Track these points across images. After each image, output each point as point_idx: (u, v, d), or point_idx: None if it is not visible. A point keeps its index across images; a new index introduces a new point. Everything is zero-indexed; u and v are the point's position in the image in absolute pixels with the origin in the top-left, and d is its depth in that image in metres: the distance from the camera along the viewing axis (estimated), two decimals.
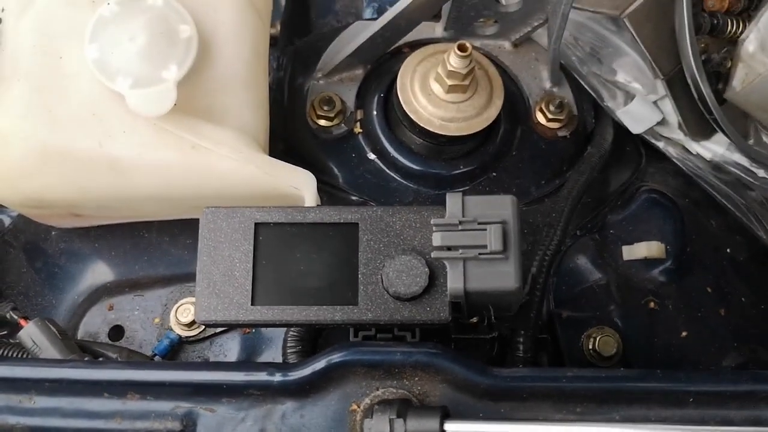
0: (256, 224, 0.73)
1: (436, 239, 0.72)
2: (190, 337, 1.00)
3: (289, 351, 0.89)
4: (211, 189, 0.88)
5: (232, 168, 0.87)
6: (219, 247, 0.73)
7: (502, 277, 0.70)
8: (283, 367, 0.72)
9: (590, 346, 1.00)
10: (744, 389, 0.70)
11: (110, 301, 1.02)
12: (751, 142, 1.02)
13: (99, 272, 1.05)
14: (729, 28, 0.97)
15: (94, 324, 1.01)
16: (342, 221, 0.74)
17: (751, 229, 1.07)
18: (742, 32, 0.96)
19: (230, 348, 1.00)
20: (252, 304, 0.71)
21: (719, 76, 0.99)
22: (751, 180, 1.02)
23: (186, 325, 0.99)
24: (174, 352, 0.99)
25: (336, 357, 0.70)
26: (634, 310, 1.04)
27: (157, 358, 0.96)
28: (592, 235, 1.09)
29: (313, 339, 0.91)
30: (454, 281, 0.71)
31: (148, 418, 0.70)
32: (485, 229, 0.71)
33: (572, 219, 1.04)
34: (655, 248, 1.05)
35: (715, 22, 0.97)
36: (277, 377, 0.71)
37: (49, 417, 0.70)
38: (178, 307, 1.00)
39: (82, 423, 0.70)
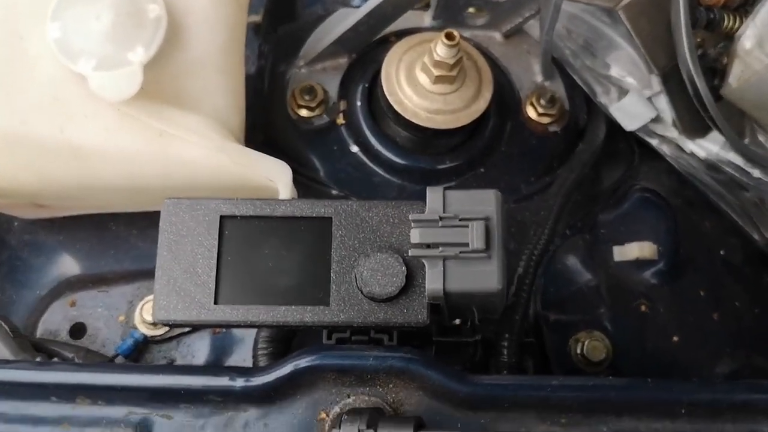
0: (221, 217, 0.69)
1: (415, 236, 0.67)
2: (155, 336, 0.95)
3: (259, 353, 0.85)
4: (179, 179, 0.84)
5: (203, 157, 0.83)
6: (181, 240, 0.68)
7: (485, 277, 0.66)
8: (246, 371, 0.67)
9: (578, 351, 0.97)
10: (740, 399, 0.66)
11: (73, 296, 0.98)
12: (746, 141, 0.99)
13: (63, 266, 1.00)
14: (726, 23, 0.94)
15: (55, 321, 0.97)
16: (314, 215, 0.69)
17: (746, 230, 1.05)
18: (739, 28, 0.93)
19: (198, 348, 0.96)
20: (215, 303, 0.67)
21: (715, 72, 0.97)
22: (745, 180, 1.00)
23: (152, 323, 0.94)
24: (138, 352, 0.94)
25: (303, 361, 0.66)
26: (625, 313, 1.01)
27: (119, 358, 0.92)
28: (582, 235, 1.06)
29: (286, 340, 0.87)
30: (432, 281, 0.66)
31: (99, 425, 0.66)
32: (467, 226, 0.66)
33: (562, 217, 1.02)
34: (647, 249, 1.02)
35: (712, 16, 0.94)
36: (240, 382, 0.66)
37: None
38: (143, 305, 0.95)
39: (26, 429, 0.65)
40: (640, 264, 1.03)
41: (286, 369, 0.66)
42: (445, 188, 0.69)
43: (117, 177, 0.84)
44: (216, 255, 0.68)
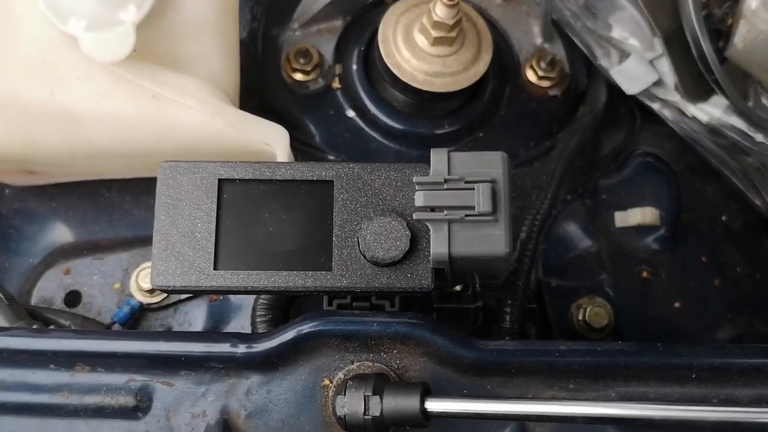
0: (219, 180, 0.66)
1: (419, 199, 0.65)
2: (152, 304, 0.93)
3: (258, 320, 0.84)
4: (174, 143, 0.82)
5: (198, 121, 0.81)
6: (178, 205, 0.66)
7: (491, 241, 0.64)
8: (249, 337, 0.65)
9: (580, 317, 0.96)
10: (751, 364, 0.64)
11: (67, 264, 0.96)
12: (750, 104, 0.98)
13: (56, 233, 0.98)
14: None
15: (49, 289, 0.95)
16: (315, 178, 0.67)
17: (748, 196, 1.03)
18: None
19: (196, 316, 0.94)
20: (215, 269, 0.65)
21: (720, 34, 0.95)
22: (748, 145, 0.99)
23: (148, 291, 0.93)
24: (135, 320, 0.93)
25: (306, 327, 0.64)
26: (626, 279, 1.00)
27: (116, 326, 0.90)
28: (583, 201, 1.04)
29: (284, 307, 0.86)
30: (437, 245, 0.65)
31: (99, 392, 0.64)
32: (473, 189, 0.64)
33: (563, 183, 0.99)
34: (649, 214, 1.02)
35: None
36: (241, 349, 0.64)
37: None
38: (139, 272, 0.93)
39: (25, 397, 0.64)
40: (641, 230, 1.03)
41: (288, 335, 0.64)
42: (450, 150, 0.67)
43: (110, 141, 0.82)
44: (215, 219, 0.66)
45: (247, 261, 0.66)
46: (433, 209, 0.66)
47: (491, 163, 0.66)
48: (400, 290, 0.66)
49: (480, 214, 0.64)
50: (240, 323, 0.93)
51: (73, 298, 0.95)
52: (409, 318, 0.66)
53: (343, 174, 0.67)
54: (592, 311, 0.96)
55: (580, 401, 0.59)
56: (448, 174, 0.66)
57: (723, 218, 1.08)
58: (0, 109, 0.80)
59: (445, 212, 0.65)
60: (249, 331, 0.89)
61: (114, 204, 0.98)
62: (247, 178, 0.67)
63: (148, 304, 0.93)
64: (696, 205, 1.07)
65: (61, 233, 0.98)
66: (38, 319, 0.82)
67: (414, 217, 0.66)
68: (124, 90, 0.80)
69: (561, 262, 1.00)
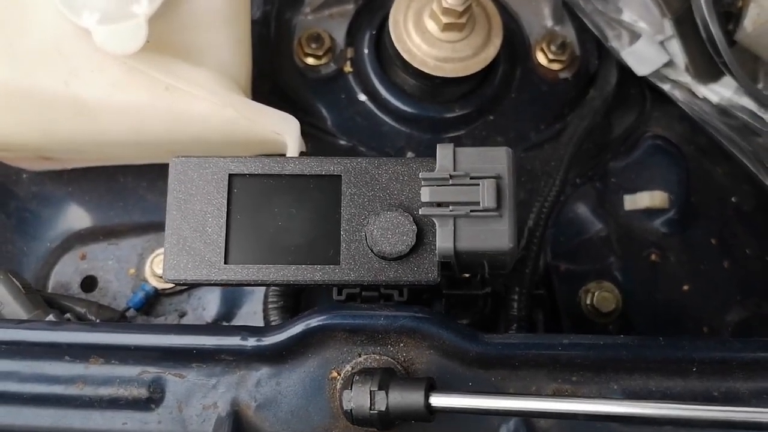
0: (230, 175, 0.68)
1: (425, 194, 0.66)
2: (166, 289, 0.95)
3: (270, 306, 0.86)
4: (186, 133, 0.83)
5: (209, 111, 0.82)
6: (189, 199, 0.67)
7: (496, 236, 0.65)
8: (258, 331, 0.67)
9: (588, 302, 0.97)
10: (751, 358, 0.65)
11: (83, 249, 0.97)
12: (760, 86, 0.97)
13: (72, 218, 0.99)
14: None
15: (66, 273, 0.96)
16: (324, 173, 0.68)
17: (758, 177, 1.02)
18: None
19: (209, 301, 0.96)
20: (225, 263, 0.66)
21: (730, 16, 0.94)
22: (758, 126, 0.98)
23: (162, 276, 0.94)
24: (149, 305, 0.94)
25: (314, 321, 0.66)
26: (635, 262, 1.00)
27: (131, 311, 0.92)
28: (592, 184, 1.04)
29: (296, 294, 0.87)
30: (443, 240, 0.65)
31: (113, 384, 0.66)
32: (478, 184, 0.65)
33: (573, 166, 1.00)
34: (658, 198, 1.02)
35: None
36: (251, 342, 0.66)
37: (5, 381, 0.66)
38: (154, 258, 0.95)
39: (40, 388, 0.66)
40: (650, 213, 1.03)
41: (297, 328, 0.66)
42: (455, 138, 0.68)
43: (123, 131, 0.83)
44: (225, 214, 0.67)
45: (256, 255, 0.67)
46: (439, 204, 0.66)
47: (496, 159, 0.66)
48: (406, 283, 0.67)
49: (485, 210, 0.65)
50: (252, 308, 0.94)
51: (89, 282, 0.97)
52: (415, 312, 0.67)
53: (351, 169, 0.68)
54: (600, 296, 0.96)
55: (582, 398, 0.59)
56: (454, 170, 0.66)
57: (733, 200, 1.07)
58: (15, 99, 0.81)
59: (451, 208, 0.66)
60: (261, 317, 0.91)
61: (129, 189, 0.99)
62: (256, 173, 0.68)
63: (162, 289, 0.95)
64: (706, 187, 1.07)
65: (77, 218, 1.00)
66: (54, 306, 0.84)
67: (420, 212, 0.67)
68: (137, 81, 0.80)
69: (570, 246, 1.00)
